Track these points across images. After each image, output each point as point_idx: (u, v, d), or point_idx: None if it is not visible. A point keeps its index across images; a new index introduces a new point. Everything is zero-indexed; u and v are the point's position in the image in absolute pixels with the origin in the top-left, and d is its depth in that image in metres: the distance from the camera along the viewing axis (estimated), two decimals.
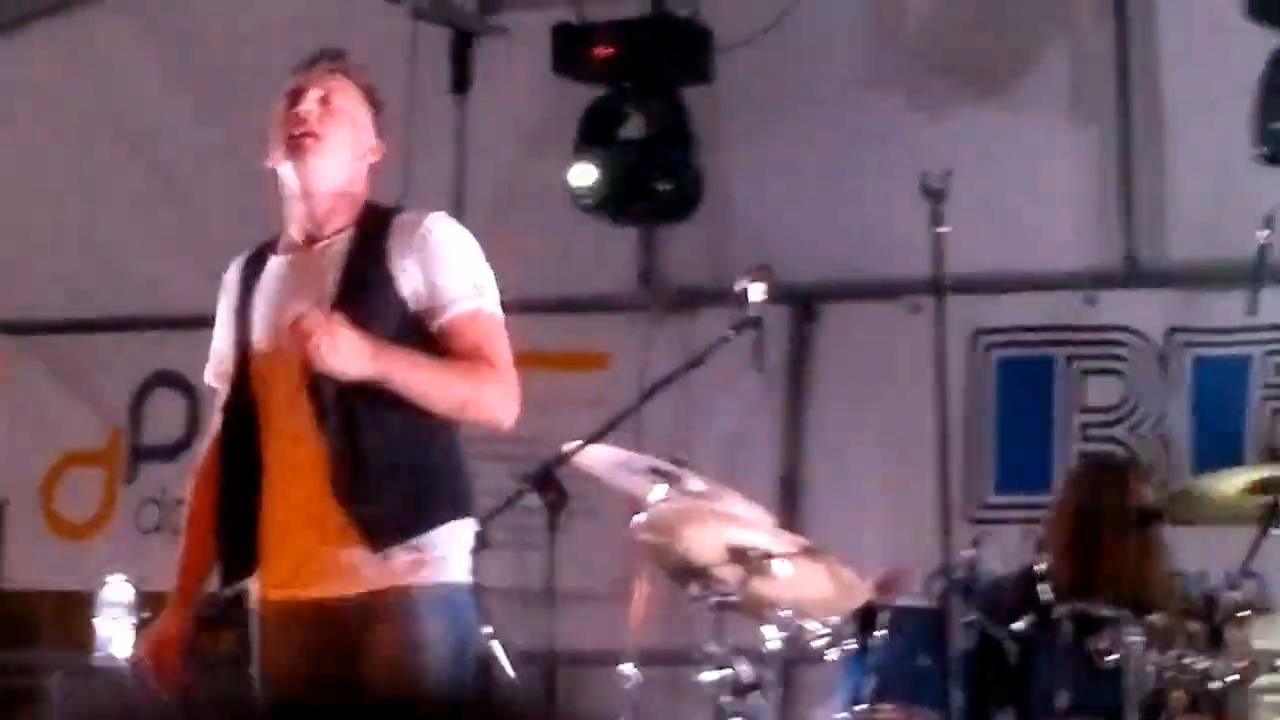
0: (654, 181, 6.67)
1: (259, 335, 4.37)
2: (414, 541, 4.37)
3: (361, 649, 4.43)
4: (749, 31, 6.63)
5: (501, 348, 4.31)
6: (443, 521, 4.41)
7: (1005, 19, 6.87)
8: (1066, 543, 5.66)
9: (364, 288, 4.30)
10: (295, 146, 4.26)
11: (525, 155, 7.13)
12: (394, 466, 4.41)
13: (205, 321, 4.52)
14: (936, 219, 5.09)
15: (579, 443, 5.09)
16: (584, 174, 6.54)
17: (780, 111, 6.98)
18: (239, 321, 4.38)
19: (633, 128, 6.75)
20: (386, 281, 4.33)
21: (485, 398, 4.31)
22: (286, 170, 4.21)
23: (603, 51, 6.53)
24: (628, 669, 5.35)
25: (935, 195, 5.15)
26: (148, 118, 7.50)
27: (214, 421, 4.59)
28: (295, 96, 4.32)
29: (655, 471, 5.17)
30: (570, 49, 6.65)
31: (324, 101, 4.30)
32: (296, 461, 4.37)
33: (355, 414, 4.37)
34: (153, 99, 7.41)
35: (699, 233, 6.95)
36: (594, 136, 6.67)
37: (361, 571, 4.31)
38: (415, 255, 4.27)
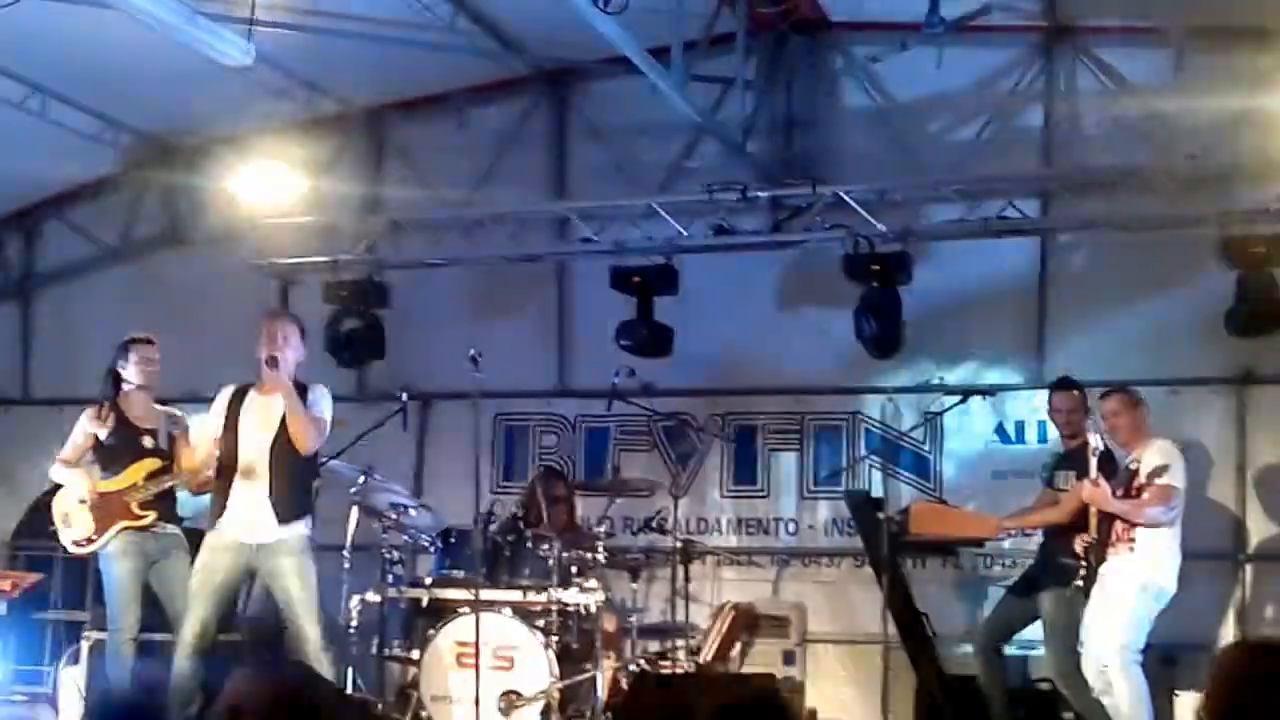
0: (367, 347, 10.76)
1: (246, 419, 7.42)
2: (294, 521, 7.30)
3: (274, 566, 7.20)
4: None
5: (319, 423, 7.36)
6: (305, 514, 7.40)
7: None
8: (532, 504, 8.83)
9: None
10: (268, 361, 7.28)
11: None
12: (289, 488, 7.31)
13: None
14: (476, 370, 7.61)
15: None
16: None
17: (423, 326, 10.90)
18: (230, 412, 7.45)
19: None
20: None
21: (304, 430, 7.26)
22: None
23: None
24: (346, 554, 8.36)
25: (475, 362, 7.64)
26: None
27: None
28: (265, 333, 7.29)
29: (363, 473, 8.40)
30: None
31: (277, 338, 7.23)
32: (257, 477, 7.32)
33: (277, 464, 7.29)
34: None
35: (386, 368, 10.89)
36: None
37: (274, 529, 7.32)
38: (312, 396, 7.37)
